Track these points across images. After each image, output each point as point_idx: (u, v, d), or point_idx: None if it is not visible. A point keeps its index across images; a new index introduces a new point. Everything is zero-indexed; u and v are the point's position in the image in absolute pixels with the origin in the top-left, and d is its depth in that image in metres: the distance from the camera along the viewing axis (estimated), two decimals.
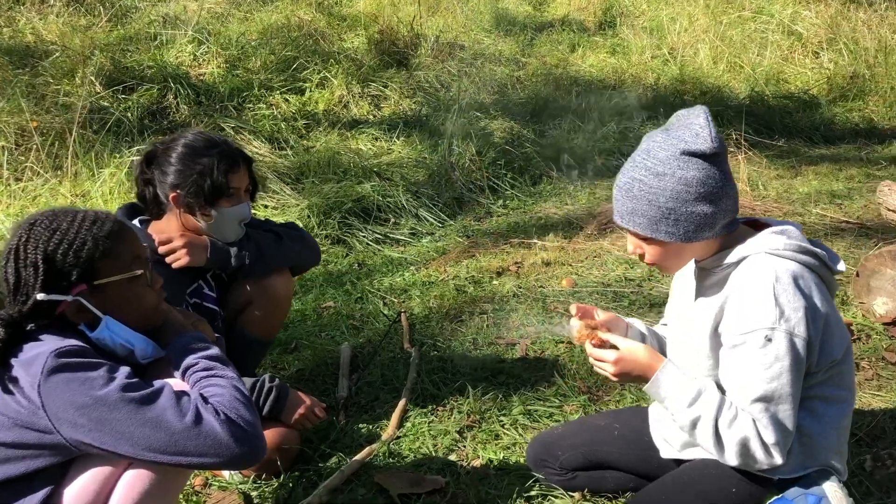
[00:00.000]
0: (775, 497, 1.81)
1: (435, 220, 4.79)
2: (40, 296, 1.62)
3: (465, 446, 2.53)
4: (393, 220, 4.69)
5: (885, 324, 3.11)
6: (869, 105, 6.90)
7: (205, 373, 1.74)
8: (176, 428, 1.57)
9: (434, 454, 2.49)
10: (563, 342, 3.14)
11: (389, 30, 7.27)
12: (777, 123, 6.44)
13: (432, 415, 2.71)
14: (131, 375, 1.63)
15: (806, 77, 7.36)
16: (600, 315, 1.99)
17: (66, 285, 1.65)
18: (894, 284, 3.11)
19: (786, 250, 1.71)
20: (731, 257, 1.75)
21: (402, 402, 2.75)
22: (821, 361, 1.72)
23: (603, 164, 5.70)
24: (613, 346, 1.83)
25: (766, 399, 1.66)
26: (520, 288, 3.70)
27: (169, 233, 2.38)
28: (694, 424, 1.72)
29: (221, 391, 1.69)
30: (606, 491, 2.20)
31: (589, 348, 1.86)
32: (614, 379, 1.84)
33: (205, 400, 1.65)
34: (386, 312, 3.50)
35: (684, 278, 1.95)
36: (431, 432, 2.60)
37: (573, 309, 1.98)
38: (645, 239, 1.76)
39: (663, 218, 1.68)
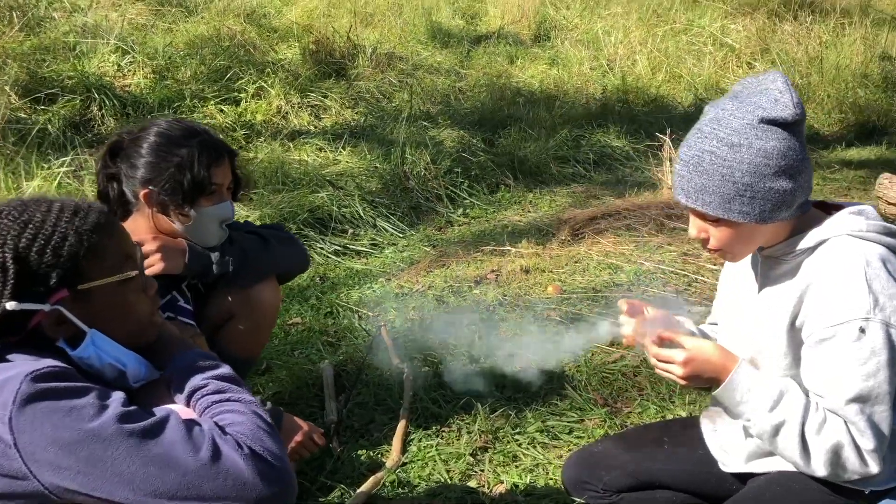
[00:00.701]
0: None
1: (395, 229, 4.50)
2: (10, 305, 1.25)
3: (482, 470, 2.24)
4: (351, 230, 4.37)
5: None
6: (808, 112, 7.00)
7: (217, 396, 1.40)
8: (189, 466, 1.22)
9: (449, 481, 2.19)
10: (567, 351, 2.89)
11: (325, 40, 6.98)
12: None
13: (438, 436, 2.41)
14: (127, 402, 1.28)
15: None
16: (650, 312, 1.74)
17: (43, 291, 1.29)
18: None
19: (869, 232, 1.49)
20: (807, 241, 1.52)
21: (402, 424, 2.44)
22: None
23: (558, 171, 5.53)
24: (678, 345, 1.58)
25: (861, 399, 1.42)
26: (504, 296, 3.44)
27: (138, 235, 2.01)
28: (776, 430, 1.48)
29: (241, 419, 1.35)
30: None
31: (653, 348, 1.60)
32: (682, 382, 1.58)
33: (222, 430, 1.31)
34: (364, 327, 3.18)
35: (741, 270, 1.72)
36: (442, 456, 2.30)
37: (622, 305, 1.73)
38: (714, 221, 1.51)
39: (738, 195, 1.44)
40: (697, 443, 1.88)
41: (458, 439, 2.38)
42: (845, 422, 1.44)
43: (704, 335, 1.88)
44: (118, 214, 2.07)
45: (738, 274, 1.74)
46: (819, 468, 1.47)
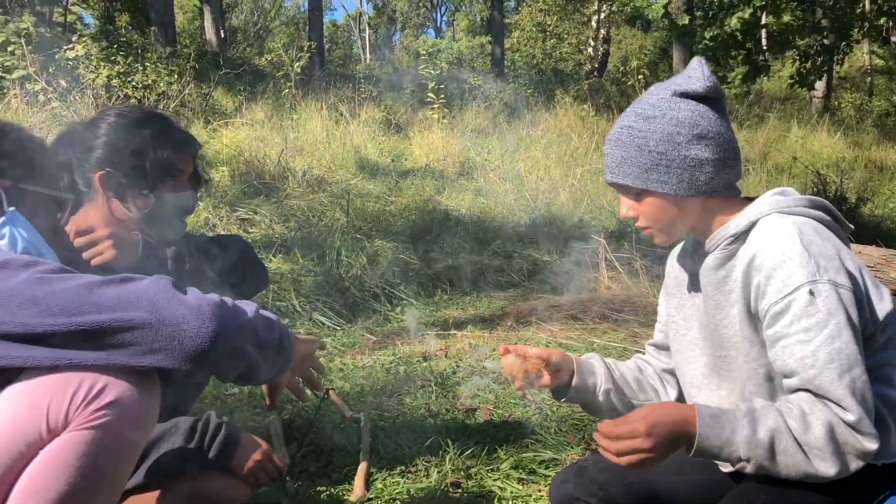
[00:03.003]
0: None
1: (332, 323, 4.32)
2: None
3: None
4: (288, 321, 4.17)
5: None
6: None
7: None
8: (96, 281, 1.19)
9: None
10: (531, 405, 2.73)
11: (256, 162, 7.02)
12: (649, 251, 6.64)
13: (404, 476, 2.18)
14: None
15: None
16: (533, 350, 1.68)
17: None
18: None
19: (797, 207, 1.49)
20: (737, 224, 1.49)
21: (363, 465, 2.20)
22: (874, 320, 1.43)
23: (494, 280, 5.53)
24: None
25: (833, 365, 1.32)
26: (457, 366, 3.28)
27: (89, 225, 1.83)
28: (772, 452, 1.32)
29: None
30: None
31: (598, 436, 1.39)
32: (652, 455, 1.34)
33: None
34: (311, 391, 2.94)
35: (680, 283, 1.67)
36: (411, 491, 2.06)
37: (500, 349, 1.67)
38: (637, 195, 1.50)
39: (654, 165, 1.45)
40: None
41: (426, 477, 2.16)
42: (824, 400, 1.33)
43: (619, 368, 1.78)
44: (68, 209, 1.89)
45: (677, 287, 1.68)
46: (828, 467, 1.32)
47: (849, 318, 1.34)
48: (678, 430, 1.34)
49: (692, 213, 1.50)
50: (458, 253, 5.88)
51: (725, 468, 1.66)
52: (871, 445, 1.31)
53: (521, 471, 2.20)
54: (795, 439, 1.31)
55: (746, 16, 11.66)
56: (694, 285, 1.61)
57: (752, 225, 1.47)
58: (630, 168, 1.46)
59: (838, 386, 1.31)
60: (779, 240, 1.40)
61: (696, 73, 1.48)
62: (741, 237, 1.48)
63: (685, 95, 1.47)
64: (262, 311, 1.37)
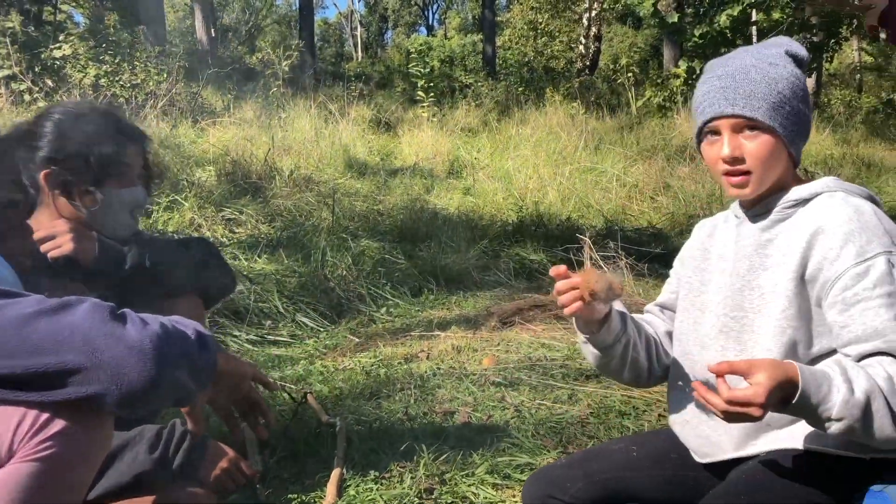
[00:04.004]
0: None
1: (315, 324, 4.29)
2: None
3: None
4: (270, 322, 4.14)
5: None
6: None
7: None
8: (31, 312, 1.11)
9: None
10: (510, 407, 2.71)
11: (243, 162, 6.98)
12: (634, 250, 6.63)
13: (378, 482, 2.15)
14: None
15: (649, 216, 7.78)
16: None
17: None
18: None
19: (861, 192, 1.52)
20: (801, 192, 1.51)
21: (336, 471, 2.17)
22: None
23: (480, 279, 5.51)
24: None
25: None
26: (437, 368, 3.26)
27: (42, 223, 1.80)
28: (867, 413, 1.26)
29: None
30: None
31: (722, 394, 1.26)
32: (754, 418, 1.26)
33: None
34: (288, 395, 2.91)
35: (704, 242, 1.69)
36: (384, 497, 2.04)
37: (554, 271, 1.53)
38: (755, 132, 1.47)
39: (780, 105, 1.47)
40: (671, 448, 1.73)
41: (400, 483, 2.13)
42: None
43: (636, 321, 1.75)
44: (19, 212, 1.86)
45: (701, 251, 1.68)
46: None
47: None
48: (785, 390, 1.26)
49: (782, 167, 1.52)
50: (446, 252, 5.86)
51: (702, 459, 1.63)
52: None
53: (495, 475, 2.17)
54: (887, 401, 1.28)
55: (736, 13, 11.67)
56: (721, 252, 1.61)
57: (815, 196, 1.50)
58: (760, 102, 1.46)
59: None
60: (854, 211, 1.43)
61: (797, 44, 1.56)
62: (801, 204, 1.51)
63: (794, 58, 1.53)
64: (199, 330, 1.30)
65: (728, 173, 1.51)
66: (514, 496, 2.08)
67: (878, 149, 12.08)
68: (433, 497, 2.07)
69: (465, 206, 7.55)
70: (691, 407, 1.65)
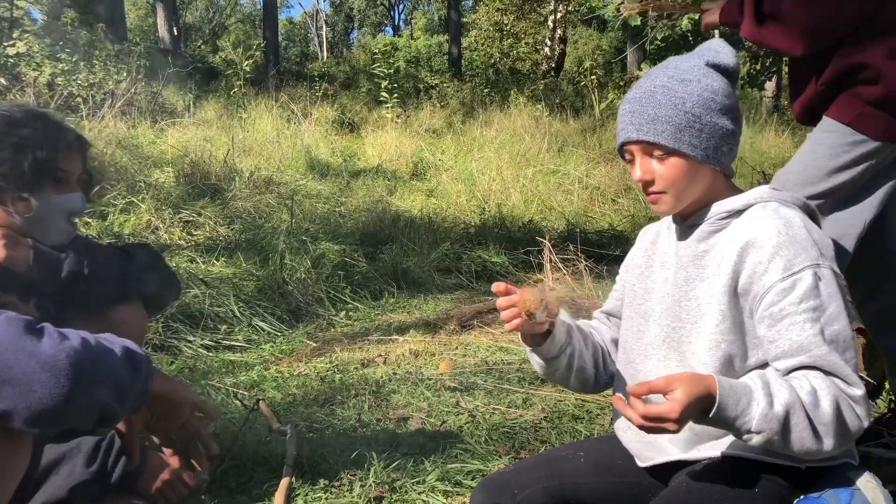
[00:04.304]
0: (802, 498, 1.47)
1: (272, 329, 4.24)
2: None
3: None
4: (225, 327, 4.08)
5: None
6: None
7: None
8: None
9: None
10: (464, 412, 2.70)
11: (202, 163, 6.88)
12: (594, 252, 6.67)
13: (327, 491, 2.12)
14: None
15: (610, 218, 7.83)
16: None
17: None
18: None
19: (795, 202, 1.52)
20: (734, 203, 1.50)
21: (285, 480, 2.14)
22: None
23: (441, 282, 5.49)
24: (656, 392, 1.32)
25: (837, 343, 1.34)
26: (394, 373, 3.23)
27: None
28: (785, 426, 1.29)
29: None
30: None
31: (638, 409, 1.30)
32: (671, 431, 1.29)
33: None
34: (240, 402, 2.87)
35: (647, 252, 1.68)
36: None
37: (496, 287, 1.51)
38: (662, 157, 1.47)
39: (688, 126, 1.44)
40: (617, 454, 1.73)
41: (350, 491, 2.11)
42: (831, 377, 1.33)
43: (582, 330, 1.75)
44: None
45: (645, 258, 1.68)
46: (829, 444, 1.31)
47: (845, 304, 1.38)
48: (703, 404, 1.28)
49: (703, 182, 1.50)
50: (407, 255, 5.83)
51: (644, 463, 1.63)
52: (865, 423, 1.34)
53: (446, 482, 2.16)
54: (807, 414, 1.30)
55: (697, 17, 11.80)
56: (663, 260, 1.61)
57: (748, 206, 1.49)
58: (664, 126, 1.44)
59: (844, 364, 1.33)
60: (784, 223, 1.42)
61: (725, 50, 1.52)
62: (734, 215, 1.50)
63: (716, 67, 1.50)
64: (129, 348, 1.25)
65: (645, 192, 1.53)
66: (464, 503, 2.06)
67: None
68: None
69: (428, 209, 7.52)
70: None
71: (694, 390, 1.27)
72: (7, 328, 1.08)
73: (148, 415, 1.39)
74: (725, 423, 1.30)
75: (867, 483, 1.46)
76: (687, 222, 1.55)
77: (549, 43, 20.77)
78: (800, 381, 1.32)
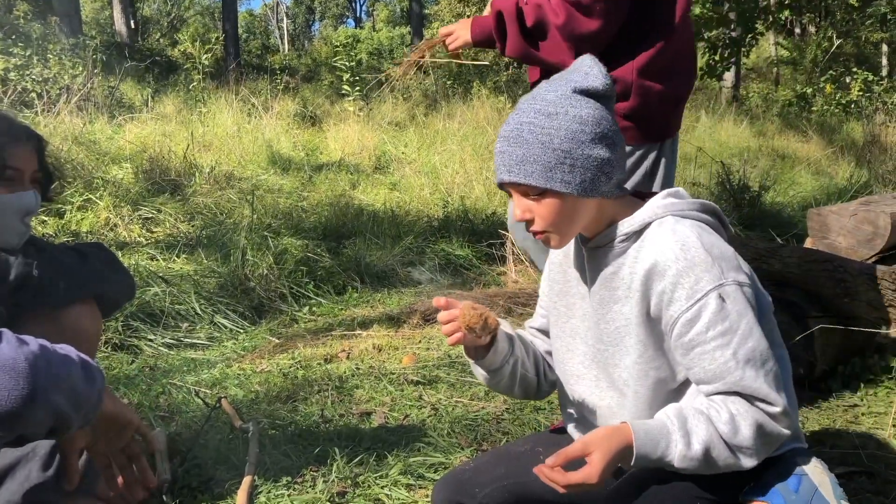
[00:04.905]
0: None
1: (234, 326, 4.21)
2: None
3: None
4: (187, 325, 4.04)
5: None
6: None
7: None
8: None
9: None
10: (427, 406, 2.72)
11: (161, 159, 6.79)
12: None
13: (290, 488, 2.12)
14: None
15: None
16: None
17: None
18: None
19: (690, 211, 1.49)
20: (631, 224, 1.48)
21: (247, 479, 2.13)
22: (762, 310, 1.46)
23: (405, 275, 5.50)
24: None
25: (752, 363, 1.36)
26: (357, 368, 3.23)
27: None
28: (706, 461, 1.35)
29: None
30: None
31: (544, 474, 1.38)
32: (600, 485, 1.35)
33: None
34: (202, 400, 2.85)
35: (565, 270, 1.65)
36: (296, 503, 2.02)
37: (437, 302, 1.56)
38: (538, 196, 1.44)
39: (559, 163, 1.39)
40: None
41: (312, 487, 2.11)
42: (748, 399, 1.36)
43: (523, 340, 1.77)
44: None
45: (561, 273, 1.67)
46: (752, 462, 1.37)
47: (755, 315, 1.38)
48: (622, 455, 1.34)
49: (588, 213, 1.47)
50: (371, 249, 5.82)
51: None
52: (789, 432, 1.38)
53: (409, 476, 2.17)
54: (727, 444, 1.34)
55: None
56: (578, 276, 1.59)
57: (646, 226, 1.47)
58: (533, 167, 1.39)
59: (762, 383, 1.35)
60: (681, 246, 1.40)
61: (594, 71, 1.44)
62: (633, 237, 1.47)
63: (585, 93, 1.43)
64: (84, 358, 1.24)
65: (529, 231, 1.49)
66: (426, 496, 2.08)
67: (792, 141, 12.52)
68: (345, 500, 2.06)
69: (391, 202, 7.51)
70: (578, 408, 1.67)
71: (611, 447, 1.32)
72: None
73: (90, 435, 1.38)
74: (651, 464, 1.36)
75: (814, 468, 1.49)
76: (590, 244, 1.53)
77: None
78: (718, 408, 1.35)
